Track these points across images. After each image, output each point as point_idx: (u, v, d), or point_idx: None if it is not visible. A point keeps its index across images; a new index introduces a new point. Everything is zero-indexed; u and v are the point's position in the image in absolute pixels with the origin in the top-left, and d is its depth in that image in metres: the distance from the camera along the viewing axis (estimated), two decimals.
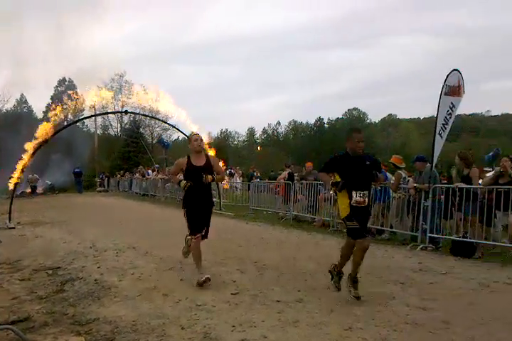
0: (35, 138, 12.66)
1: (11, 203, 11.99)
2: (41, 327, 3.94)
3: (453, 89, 7.97)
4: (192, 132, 6.17)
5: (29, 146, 12.66)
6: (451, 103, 8.02)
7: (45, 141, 12.61)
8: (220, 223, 11.03)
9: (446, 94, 7.87)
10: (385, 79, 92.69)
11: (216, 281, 5.31)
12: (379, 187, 8.73)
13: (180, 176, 5.54)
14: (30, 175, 25.83)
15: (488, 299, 4.70)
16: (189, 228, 5.33)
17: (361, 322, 3.94)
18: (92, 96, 14.69)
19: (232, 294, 4.79)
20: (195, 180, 5.21)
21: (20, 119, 35.11)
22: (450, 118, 8.03)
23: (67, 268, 6.18)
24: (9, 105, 44.74)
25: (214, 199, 16.59)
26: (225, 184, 16.48)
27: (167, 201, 18.68)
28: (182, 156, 5.62)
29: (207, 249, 7.38)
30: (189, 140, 5.64)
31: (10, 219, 11.36)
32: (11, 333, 3.67)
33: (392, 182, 8.86)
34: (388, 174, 9.21)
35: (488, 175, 8.35)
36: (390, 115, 68.88)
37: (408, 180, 8.69)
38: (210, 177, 5.25)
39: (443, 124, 7.96)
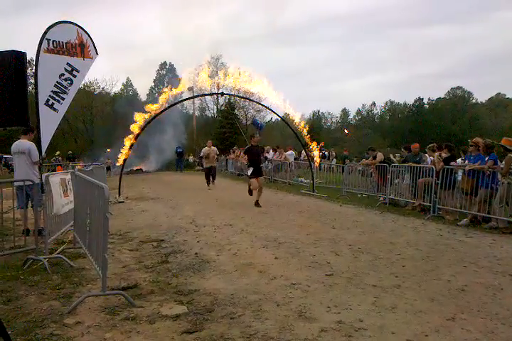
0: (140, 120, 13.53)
1: (120, 179, 13.00)
2: (148, 294, 4.25)
3: None
4: None
5: (135, 127, 13.56)
6: None
7: (149, 122, 13.39)
8: (313, 204, 11.05)
9: None
10: (493, 56, 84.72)
11: (310, 261, 5.33)
12: (488, 172, 8.10)
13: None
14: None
15: None
16: None
17: (465, 312, 3.72)
18: (190, 79, 15.23)
19: (326, 275, 4.78)
20: None
21: (126, 102, 37.75)
22: None
23: (170, 241, 6.61)
24: (116, 88, 48.15)
25: (306, 181, 16.71)
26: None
27: None
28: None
29: (300, 229, 7.48)
30: None
31: (119, 194, 12.36)
32: (122, 298, 4.02)
33: (501, 166, 8.14)
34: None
35: None
36: (498, 94, 63.22)
37: None
38: None
39: None
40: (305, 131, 15.56)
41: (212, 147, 16.09)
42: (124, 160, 13.39)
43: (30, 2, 71.83)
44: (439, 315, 3.67)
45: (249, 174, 10.52)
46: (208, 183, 15.66)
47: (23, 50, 2.34)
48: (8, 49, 2.26)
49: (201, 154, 16.20)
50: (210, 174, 15.85)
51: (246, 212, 9.58)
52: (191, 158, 33.91)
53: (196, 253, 5.77)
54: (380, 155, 13.08)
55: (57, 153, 27.38)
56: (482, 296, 4.15)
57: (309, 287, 4.39)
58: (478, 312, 3.74)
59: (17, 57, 2.22)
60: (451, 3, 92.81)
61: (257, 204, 10.40)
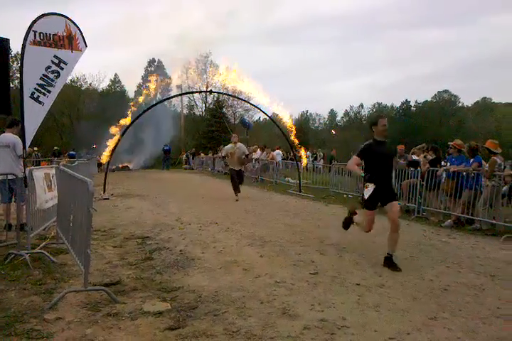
0: (126, 116, 13.55)
1: (106, 176, 12.88)
2: (131, 291, 4.21)
3: None
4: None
5: (121, 123, 13.53)
6: None
7: (137, 117, 13.34)
8: (299, 204, 11.09)
9: None
10: (480, 60, 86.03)
11: (295, 260, 5.34)
12: (472, 174, 8.20)
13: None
14: None
15: None
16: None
17: (447, 312, 3.75)
18: (178, 77, 15.22)
19: (310, 274, 4.78)
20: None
21: (114, 98, 37.50)
22: None
23: (155, 238, 6.57)
24: (104, 84, 47.56)
25: (293, 181, 16.75)
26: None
27: (247, 180, 18.96)
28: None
29: (285, 228, 7.49)
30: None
31: (104, 191, 12.24)
32: (105, 294, 3.98)
33: (485, 168, 8.25)
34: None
35: None
36: (484, 98, 64.03)
37: (504, 167, 8.04)
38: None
39: None
40: (293, 132, 15.66)
41: (239, 143, 12.10)
42: (110, 155, 13.28)
43: None
44: (421, 314, 3.70)
45: (366, 197, 5.22)
46: (236, 189, 11.64)
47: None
48: None
49: (223, 154, 12.34)
50: (237, 178, 11.79)
51: (232, 210, 9.56)
52: (184, 158, 33.59)
53: (181, 251, 5.74)
54: None
55: (35, 148, 26.64)
56: (464, 296, 4.19)
57: (293, 285, 4.39)
58: (460, 312, 3.77)
59: None
60: (441, 7, 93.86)
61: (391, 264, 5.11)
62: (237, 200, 11.30)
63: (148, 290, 4.23)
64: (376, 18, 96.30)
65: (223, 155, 12.16)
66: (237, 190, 11.52)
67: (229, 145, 12.05)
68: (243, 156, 11.86)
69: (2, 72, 2.00)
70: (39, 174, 5.73)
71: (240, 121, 37.19)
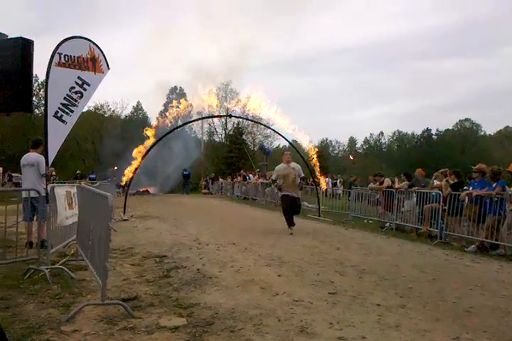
0: (147, 140, 13.90)
1: (126, 199, 13.06)
2: (148, 306, 4.19)
3: None
4: None
5: (141, 148, 13.85)
6: None
7: (155, 143, 13.66)
8: (318, 228, 10.98)
9: None
10: (502, 90, 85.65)
11: (313, 280, 5.25)
12: (495, 198, 8.04)
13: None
14: None
15: None
16: None
17: (471, 333, 3.62)
18: (200, 102, 15.60)
19: (329, 293, 4.69)
20: None
21: (136, 124, 38.35)
22: None
23: (172, 257, 6.57)
24: (127, 111, 48.73)
25: (311, 206, 16.66)
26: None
27: (267, 205, 18.96)
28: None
29: (304, 249, 7.40)
30: None
31: (124, 213, 12.38)
32: (122, 309, 3.97)
33: (509, 192, 8.08)
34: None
35: None
36: (506, 127, 63.42)
37: None
38: None
39: None
40: (314, 159, 15.75)
41: (293, 163, 9.85)
42: (131, 178, 13.53)
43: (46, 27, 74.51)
44: (443, 334, 3.58)
45: None
46: (290, 223, 9.45)
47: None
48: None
49: (273, 176, 10.01)
50: (291, 208, 9.59)
51: (250, 232, 9.51)
52: (203, 183, 33.93)
53: (198, 269, 5.71)
54: (387, 181, 13.03)
55: (53, 172, 26.84)
56: (488, 318, 4.04)
57: (312, 304, 4.31)
58: (484, 333, 3.63)
59: (24, 44, 2.28)
60: (461, 37, 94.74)
61: None
62: (291, 234, 9.21)
63: (165, 306, 4.20)
64: (397, 48, 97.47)
65: (273, 178, 9.86)
66: (291, 223, 9.41)
67: (280, 166, 9.76)
68: (299, 180, 9.62)
69: (26, 72, 2.12)
70: (60, 191, 5.84)
71: (259, 147, 37.52)
